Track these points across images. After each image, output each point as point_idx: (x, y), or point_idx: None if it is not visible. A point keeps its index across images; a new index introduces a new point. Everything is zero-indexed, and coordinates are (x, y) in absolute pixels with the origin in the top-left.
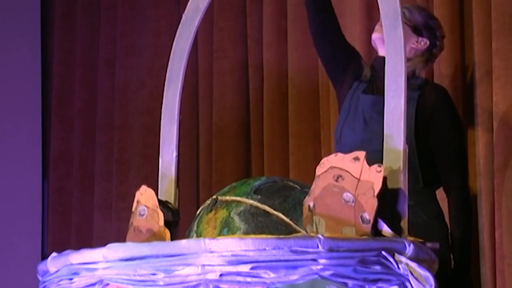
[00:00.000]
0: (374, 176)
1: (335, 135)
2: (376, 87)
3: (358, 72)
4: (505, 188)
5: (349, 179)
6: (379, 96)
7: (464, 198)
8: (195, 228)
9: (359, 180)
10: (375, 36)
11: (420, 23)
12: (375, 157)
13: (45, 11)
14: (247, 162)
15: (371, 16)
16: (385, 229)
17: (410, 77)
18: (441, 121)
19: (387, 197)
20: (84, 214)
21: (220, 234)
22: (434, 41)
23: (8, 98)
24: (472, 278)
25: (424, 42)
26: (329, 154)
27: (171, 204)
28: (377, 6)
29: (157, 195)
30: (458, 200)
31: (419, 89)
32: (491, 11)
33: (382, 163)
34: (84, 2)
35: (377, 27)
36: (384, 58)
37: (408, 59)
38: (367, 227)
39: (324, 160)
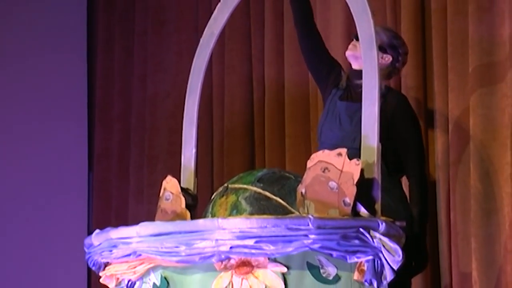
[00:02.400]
0: (353, 168)
1: (317, 132)
2: (350, 94)
3: (337, 81)
4: (458, 178)
5: (333, 171)
6: (352, 103)
7: (421, 183)
8: (210, 210)
9: (341, 171)
10: (348, 53)
11: (385, 43)
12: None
13: (90, 37)
14: (252, 157)
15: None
16: (363, 210)
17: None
18: (401, 122)
19: (364, 185)
20: (121, 199)
21: (230, 214)
22: (397, 57)
23: (61, 106)
24: (428, 248)
25: (387, 58)
26: (318, 151)
27: (191, 190)
28: (356, 31)
29: (180, 183)
30: (416, 184)
31: (383, 96)
32: (447, 36)
33: (357, 157)
34: (121, 29)
35: (350, 46)
36: (356, 71)
37: None
38: (348, 209)
39: (313, 155)
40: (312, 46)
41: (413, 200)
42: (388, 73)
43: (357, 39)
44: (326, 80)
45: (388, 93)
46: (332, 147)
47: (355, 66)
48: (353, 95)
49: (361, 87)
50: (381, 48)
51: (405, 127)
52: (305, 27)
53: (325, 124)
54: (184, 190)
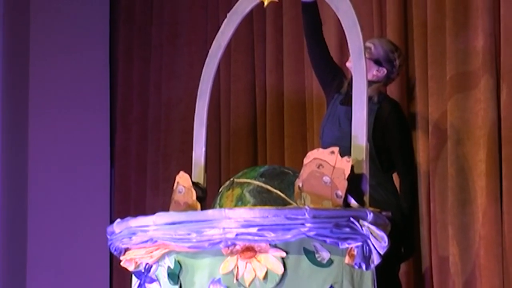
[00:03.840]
0: (345, 165)
1: (320, 131)
2: (350, 99)
3: (339, 87)
4: (437, 173)
5: (327, 167)
6: (351, 107)
7: (409, 180)
8: (218, 201)
9: (334, 167)
10: (348, 64)
11: (381, 57)
12: (345, 150)
13: (112, 48)
14: (255, 155)
15: (343, 51)
16: (353, 202)
17: (374, 95)
18: (393, 125)
19: (354, 180)
20: (140, 192)
21: (235, 205)
22: (392, 69)
23: (86, 110)
24: (415, 236)
25: (383, 71)
26: (313, 149)
27: (201, 184)
28: (347, 43)
29: (191, 178)
30: (405, 181)
31: (378, 103)
32: (427, 48)
33: (350, 155)
34: (139, 41)
35: (350, 58)
36: None
37: (372, 83)
38: (340, 201)
39: (309, 153)
40: (319, 55)
41: (403, 194)
42: (384, 83)
43: None
44: (330, 85)
45: (383, 100)
46: (332, 146)
47: None
48: None
49: None
50: (378, 62)
51: (397, 130)
52: (315, 38)
53: (327, 125)
54: (195, 184)
